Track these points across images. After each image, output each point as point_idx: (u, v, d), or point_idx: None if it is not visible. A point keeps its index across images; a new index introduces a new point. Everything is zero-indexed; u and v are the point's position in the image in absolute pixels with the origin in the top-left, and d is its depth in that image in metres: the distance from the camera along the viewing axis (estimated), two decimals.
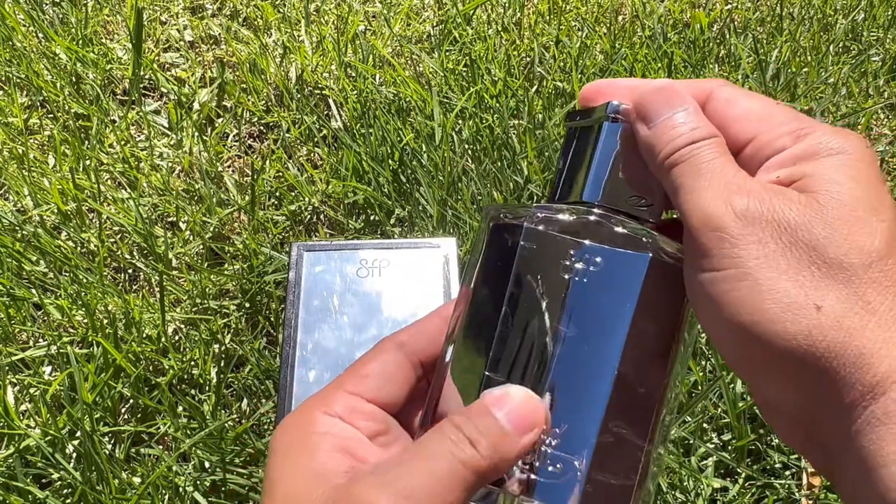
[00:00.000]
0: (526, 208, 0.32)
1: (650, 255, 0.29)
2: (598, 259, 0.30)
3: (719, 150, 0.28)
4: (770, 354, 0.25)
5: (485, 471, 0.26)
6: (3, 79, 1.05)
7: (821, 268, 0.24)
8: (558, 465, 0.29)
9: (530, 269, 0.30)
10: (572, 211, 0.31)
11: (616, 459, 0.29)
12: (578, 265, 0.30)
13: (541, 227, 0.30)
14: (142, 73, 1.06)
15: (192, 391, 0.76)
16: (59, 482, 0.69)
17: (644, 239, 0.30)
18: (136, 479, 0.69)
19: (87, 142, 0.97)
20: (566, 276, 0.30)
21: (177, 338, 0.81)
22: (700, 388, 0.73)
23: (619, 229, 0.30)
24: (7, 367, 0.75)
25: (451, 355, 0.32)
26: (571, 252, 0.30)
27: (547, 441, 0.29)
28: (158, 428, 0.73)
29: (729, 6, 1.19)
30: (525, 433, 0.27)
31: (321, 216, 0.92)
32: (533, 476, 0.29)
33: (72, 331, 0.80)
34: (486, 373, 0.30)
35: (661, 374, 0.30)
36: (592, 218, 0.31)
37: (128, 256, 0.87)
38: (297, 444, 0.29)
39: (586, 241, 0.30)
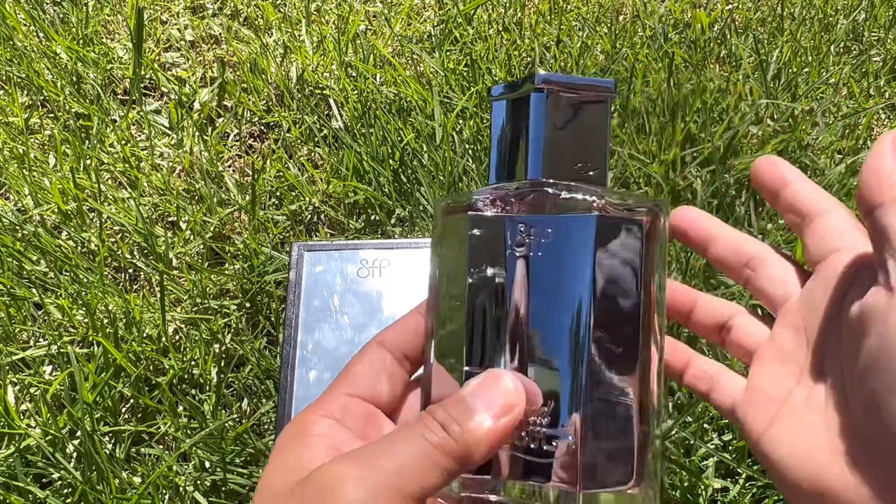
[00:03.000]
0: (470, 194, 0.32)
1: (595, 213, 0.29)
2: (549, 230, 0.29)
3: None
4: None
5: (458, 454, 0.26)
6: (4, 78, 1.05)
7: None
8: (553, 443, 0.28)
9: (483, 255, 0.30)
10: (515, 189, 0.31)
11: (609, 425, 0.29)
12: (529, 239, 0.29)
13: (487, 212, 0.30)
14: (142, 72, 1.06)
15: (193, 391, 0.76)
16: (60, 482, 0.69)
17: (590, 198, 0.29)
18: (137, 479, 0.69)
19: (87, 141, 0.97)
20: (519, 254, 0.29)
21: (177, 337, 0.81)
22: None
23: (565, 194, 0.30)
24: (7, 367, 0.75)
25: (433, 352, 0.32)
26: (521, 228, 0.30)
27: (537, 420, 0.29)
28: (159, 428, 0.73)
29: (730, 6, 1.19)
30: (502, 415, 0.27)
31: (322, 216, 0.92)
32: (531, 458, 0.28)
33: (72, 330, 0.80)
34: (466, 368, 0.30)
35: (636, 328, 0.30)
36: (534, 193, 0.31)
37: (128, 256, 0.87)
38: (290, 445, 0.29)
39: (530, 216, 0.30)
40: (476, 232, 0.30)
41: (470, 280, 0.30)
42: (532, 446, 0.29)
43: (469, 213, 0.31)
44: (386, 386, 0.32)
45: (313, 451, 0.28)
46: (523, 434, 0.29)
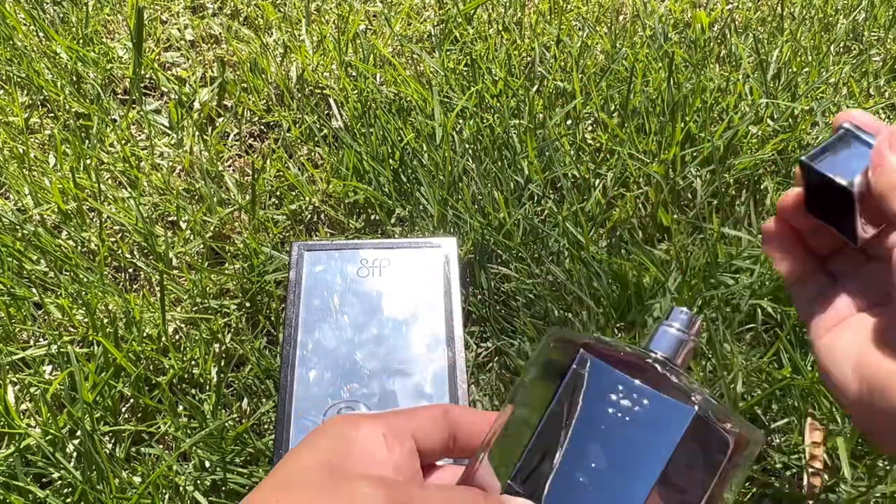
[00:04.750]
0: (589, 336, 0.32)
1: (696, 409, 0.29)
2: (645, 401, 0.30)
3: None
4: None
5: None
6: (4, 78, 1.05)
7: None
8: None
9: (576, 393, 0.30)
10: (632, 350, 0.32)
11: None
12: (624, 402, 0.30)
13: (597, 357, 0.31)
14: (142, 72, 1.05)
15: (193, 390, 0.76)
16: (60, 481, 0.69)
17: (695, 396, 0.30)
18: (137, 479, 0.69)
19: (87, 141, 0.97)
20: (610, 410, 0.30)
21: (177, 337, 0.81)
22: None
23: (674, 379, 0.30)
24: (7, 367, 0.75)
25: (480, 462, 0.32)
26: (620, 387, 0.30)
27: None
28: (159, 427, 0.73)
29: (730, 6, 1.19)
30: None
31: (322, 216, 0.92)
32: None
33: (72, 330, 0.80)
34: (509, 482, 0.30)
35: None
36: (649, 360, 0.32)
37: (128, 256, 0.87)
38: (330, 433, 0.30)
39: (636, 381, 0.30)
40: (579, 370, 0.31)
41: (554, 408, 0.30)
42: None
43: (582, 351, 0.31)
44: (433, 441, 0.33)
45: (347, 448, 0.29)
46: None
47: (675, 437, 0.29)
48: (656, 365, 0.31)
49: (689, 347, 0.34)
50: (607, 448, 0.29)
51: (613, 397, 0.30)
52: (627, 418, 0.29)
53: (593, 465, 0.29)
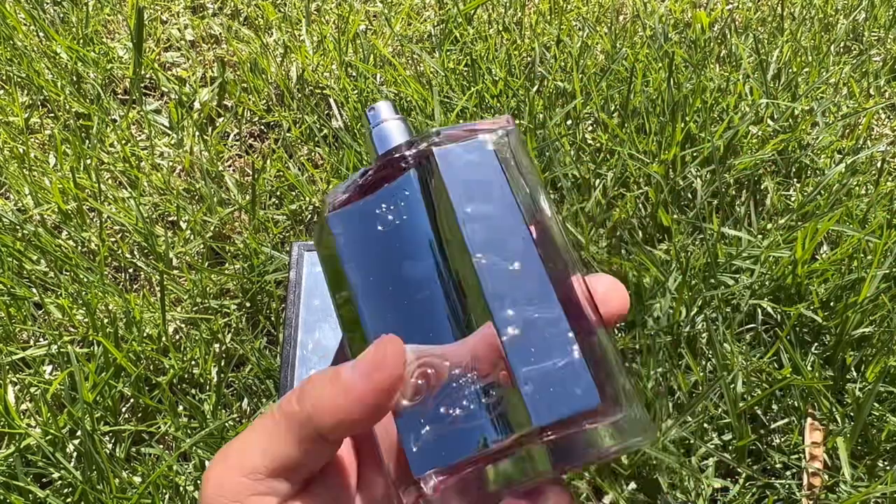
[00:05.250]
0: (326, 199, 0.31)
1: (415, 166, 0.29)
2: (405, 192, 0.28)
3: None
4: None
5: (299, 416, 0.26)
6: (4, 78, 1.05)
7: None
8: (491, 393, 0.25)
9: (359, 249, 0.29)
10: (361, 175, 0.30)
11: (541, 345, 0.25)
12: (392, 210, 0.28)
13: (341, 209, 0.29)
14: (142, 72, 1.06)
15: (193, 391, 0.76)
16: (60, 481, 0.69)
17: (422, 145, 0.29)
18: (137, 479, 0.69)
19: (87, 141, 0.97)
20: (387, 228, 0.28)
21: (177, 337, 0.81)
22: (700, 388, 0.73)
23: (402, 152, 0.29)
24: (8, 367, 0.75)
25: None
26: (382, 207, 0.28)
27: (467, 379, 0.25)
28: (159, 427, 0.73)
29: (730, 6, 1.19)
30: (371, 372, 0.25)
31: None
32: (478, 420, 0.25)
33: (72, 330, 0.80)
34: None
35: (527, 242, 0.27)
36: (378, 168, 0.30)
37: (128, 256, 0.87)
38: None
39: (381, 191, 0.28)
40: (339, 232, 0.29)
41: (352, 279, 0.28)
42: (484, 400, 0.25)
43: (328, 216, 0.29)
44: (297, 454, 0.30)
45: None
46: (465, 403, 0.25)
47: (440, 189, 0.27)
48: (385, 162, 0.29)
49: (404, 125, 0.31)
50: (416, 251, 0.27)
51: (385, 219, 0.28)
52: (405, 217, 0.28)
53: (423, 275, 0.27)
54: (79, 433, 0.69)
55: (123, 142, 0.96)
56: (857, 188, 0.91)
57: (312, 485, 0.28)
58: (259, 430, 0.27)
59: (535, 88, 1.02)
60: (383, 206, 0.28)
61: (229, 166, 0.98)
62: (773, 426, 0.72)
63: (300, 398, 0.26)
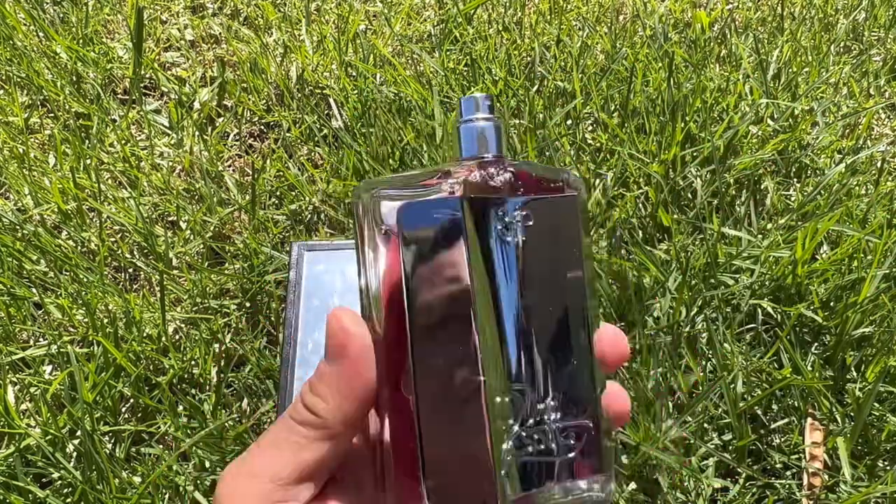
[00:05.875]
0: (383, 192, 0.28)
1: (575, 193, 0.28)
2: (530, 211, 0.27)
3: None
4: None
5: (308, 419, 0.27)
6: (4, 78, 1.05)
7: None
8: (570, 434, 0.26)
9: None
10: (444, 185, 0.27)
11: (582, 400, 0.26)
12: (512, 223, 0.27)
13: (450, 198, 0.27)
14: (142, 72, 1.05)
15: (193, 391, 0.76)
16: (60, 481, 0.69)
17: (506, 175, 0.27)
18: (137, 479, 0.69)
19: (87, 141, 0.97)
20: (509, 240, 0.26)
21: (177, 337, 0.81)
22: (701, 388, 0.73)
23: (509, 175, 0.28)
24: (7, 367, 0.75)
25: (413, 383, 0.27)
26: (500, 212, 0.26)
27: (547, 418, 0.26)
28: (159, 427, 0.73)
29: (730, 6, 1.19)
30: (337, 356, 0.28)
31: (322, 216, 0.92)
32: (550, 457, 0.26)
33: (72, 330, 0.80)
34: (482, 377, 0.26)
35: (584, 304, 0.27)
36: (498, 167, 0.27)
37: (128, 256, 0.87)
38: None
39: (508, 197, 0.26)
40: (412, 244, 0.26)
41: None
42: (553, 445, 0.26)
43: (404, 225, 0.27)
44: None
45: None
46: (535, 436, 0.26)
47: (575, 225, 0.27)
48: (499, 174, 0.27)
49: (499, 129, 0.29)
50: (529, 279, 0.26)
51: (503, 226, 0.26)
52: (524, 239, 0.26)
53: (526, 305, 0.26)
54: (79, 433, 0.69)
55: (123, 142, 0.96)
56: (857, 188, 0.91)
57: (331, 486, 0.29)
58: (274, 439, 0.28)
59: (534, 88, 1.02)
60: (503, 212, 0.27)
61: (229, 166, 0.98)
62: (773, 426, 0.72)
63: (304, 402, 0.28)
